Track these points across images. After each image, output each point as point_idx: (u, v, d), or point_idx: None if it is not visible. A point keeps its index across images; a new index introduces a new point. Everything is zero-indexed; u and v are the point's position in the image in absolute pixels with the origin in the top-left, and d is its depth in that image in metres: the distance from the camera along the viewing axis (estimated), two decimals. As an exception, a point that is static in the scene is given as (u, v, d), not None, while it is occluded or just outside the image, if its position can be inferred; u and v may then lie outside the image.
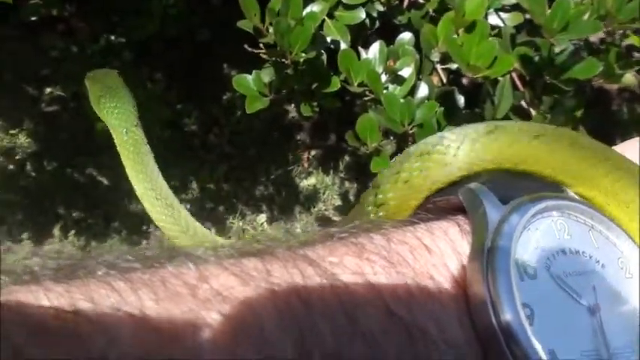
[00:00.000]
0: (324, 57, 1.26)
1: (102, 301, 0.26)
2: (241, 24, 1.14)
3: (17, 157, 2.21)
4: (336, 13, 1.32)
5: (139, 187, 0.73)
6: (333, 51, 1.28)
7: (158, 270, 0.29)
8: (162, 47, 2.00)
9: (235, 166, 2.37)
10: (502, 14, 1.17)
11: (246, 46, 1.14)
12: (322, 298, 0.29)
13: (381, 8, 1.33)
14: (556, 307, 0.33)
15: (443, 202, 0.39)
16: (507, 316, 0.31)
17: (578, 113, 1.15)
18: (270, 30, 1.09)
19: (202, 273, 0.29)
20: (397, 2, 1.28)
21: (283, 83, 1.19)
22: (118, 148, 0.74)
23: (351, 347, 0.29)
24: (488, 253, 0.32)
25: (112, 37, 1.75)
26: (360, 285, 0.30)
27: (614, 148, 0.42)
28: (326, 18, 1.26)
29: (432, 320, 0.31)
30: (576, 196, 0.39)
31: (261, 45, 1.13)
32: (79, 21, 1.70)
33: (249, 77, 1.24)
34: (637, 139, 0.45)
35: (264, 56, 1.15)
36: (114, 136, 0.74)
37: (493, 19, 1.17)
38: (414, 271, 0.32)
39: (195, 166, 2.33)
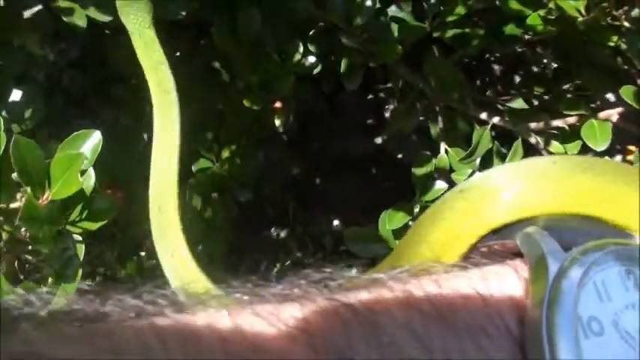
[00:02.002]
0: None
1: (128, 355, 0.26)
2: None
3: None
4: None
5: (144, 63, 0.81)
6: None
7: (190, 318, 0.28)
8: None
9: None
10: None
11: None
12: (364, 354, 0.27)
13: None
14: None
15: (498, 245, 0.36)
16: None
17: None
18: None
19: (235, 322, 0.28)
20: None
21: None
22: (136, 50, 0.84)
23: None
24: (548, 307, 0.29)
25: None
26: (407, 340, 0.28)
27: None
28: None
29: None
30: None
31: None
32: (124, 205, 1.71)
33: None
34: None
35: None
36: (133, 41, 0.85)
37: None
38: (467, 325, 0.30)
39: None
